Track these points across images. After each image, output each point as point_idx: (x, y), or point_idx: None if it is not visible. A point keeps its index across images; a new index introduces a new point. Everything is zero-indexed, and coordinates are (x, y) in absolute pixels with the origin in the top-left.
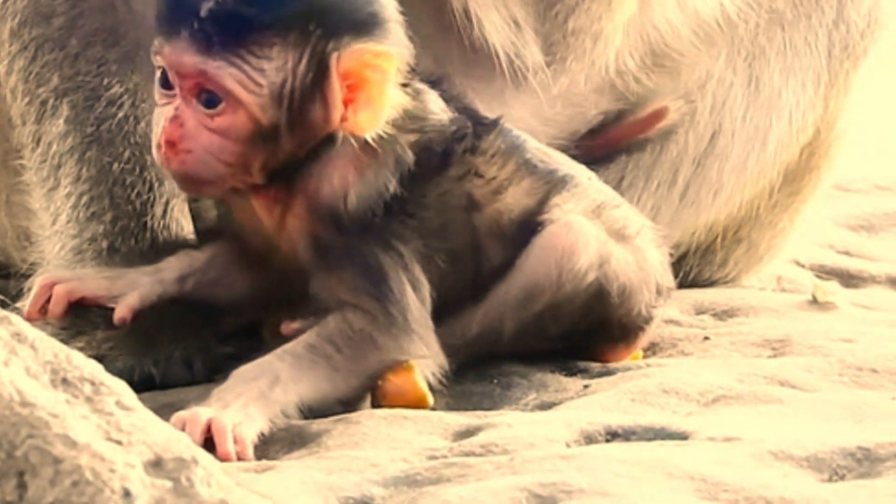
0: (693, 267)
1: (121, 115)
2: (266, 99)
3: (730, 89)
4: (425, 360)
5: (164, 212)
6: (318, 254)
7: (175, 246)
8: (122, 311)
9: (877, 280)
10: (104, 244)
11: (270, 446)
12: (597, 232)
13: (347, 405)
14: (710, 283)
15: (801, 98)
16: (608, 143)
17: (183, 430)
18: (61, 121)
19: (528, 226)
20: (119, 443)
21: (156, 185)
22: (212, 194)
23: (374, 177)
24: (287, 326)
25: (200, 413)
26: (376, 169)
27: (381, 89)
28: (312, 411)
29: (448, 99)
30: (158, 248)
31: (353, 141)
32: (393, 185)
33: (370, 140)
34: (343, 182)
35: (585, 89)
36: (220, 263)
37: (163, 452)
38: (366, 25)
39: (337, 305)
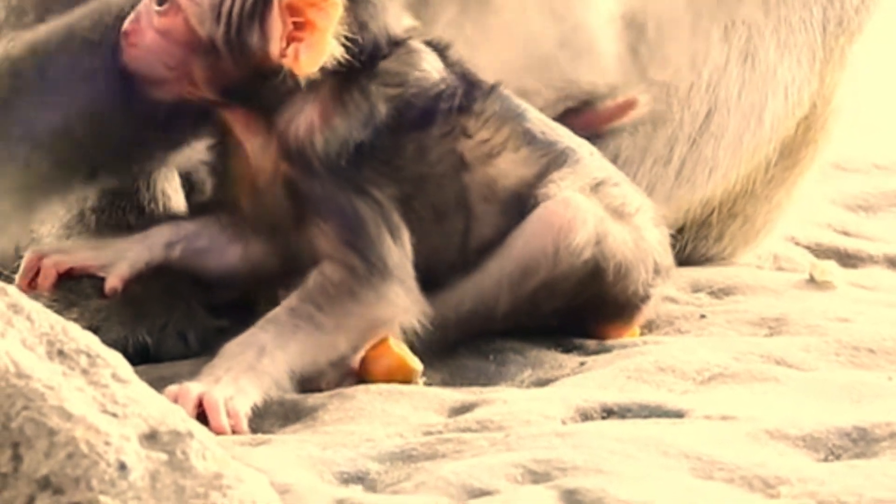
0: (689, 242)
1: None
2: (204, 9)
3: (725, 66)
4: (405, 314)
5: (149, 185)
6: (294, 201)
7: (164, 217)
8: (112, 281)
9: (874, 260)
10: (93, 218)
11: (265, 420)
12: (594, 209)
13: (338, 366)
14: (706, 259)
15: (796, 73)
16: (582, 125)
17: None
18: None
19: (524, 198)
20: (114, 415)
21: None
22: (164, 97)
23: (341, 124)
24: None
25: (191, 388)
26: (344, 117)
27: (323, 34)
28: (306, 379)
29: (449, 63)
30: (147, 221)
31: (324, 85)
32: (362, 135)
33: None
34: (309, 126)
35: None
36: (209, 233)
37: (158, 425)
38: None
39: (316, 259)
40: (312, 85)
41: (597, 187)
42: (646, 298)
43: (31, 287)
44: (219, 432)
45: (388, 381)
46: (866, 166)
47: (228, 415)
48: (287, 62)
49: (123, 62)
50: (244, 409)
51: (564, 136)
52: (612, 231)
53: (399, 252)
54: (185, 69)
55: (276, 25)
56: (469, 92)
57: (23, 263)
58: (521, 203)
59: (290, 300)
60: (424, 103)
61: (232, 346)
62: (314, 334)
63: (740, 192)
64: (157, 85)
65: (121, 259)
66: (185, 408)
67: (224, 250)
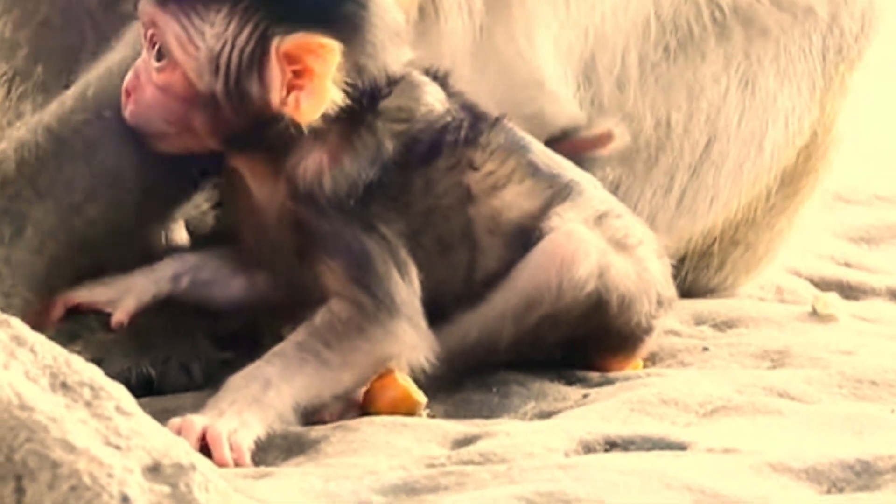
0: (690, 272)
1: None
2: (202, 63)
3: (725, 95)
4: (413, 351)
5: (155, 221)
6: (301, 240)
7: (171, 249)
8: (119, 316)
9: (877, 292)
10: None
11: (269, 453)
12: (597, 241)
13: (342, 398)
14: (708, 288)
15: (796, 102)
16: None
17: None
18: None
19: (528, 230)
20: (118, 447)
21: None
22: (169, 150)
23: (350, 164)
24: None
25: (195, 421)
26: (353, 156)
27: (323, 80)
28: (310, 412)
29: (451, 94)
30: (153, 253)
31: (331, 127)
32: (371, 173)
33: (346, 127)
34: (318, 167)
35: None
36: (214, 265)
37: (161, 458)
38: (315, 14)
39: (323, 296)
40: (318, 129)
41: (599, 219)
42: (649, 330)
43: (38, 321)
44: (222, 465)
45: (392, 413)
46: (868, 198)
47: (231, 448)
48: (288, 110)
49: (127, 118)
50: (247, 443)
51: (567, 169)
52: (615, 263)
53: (407, 289)
54: (186, 123)
55: (275, 74)
56: (474, 124)
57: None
58: (525, 235)
59: (297, 335)
60: (431, 137)
61: (237, 379)
62: (320, 369)
63: (742, 220)
64: (160, 139)
65: (127, 293)
66: (188, 440)
67: (229, 282)
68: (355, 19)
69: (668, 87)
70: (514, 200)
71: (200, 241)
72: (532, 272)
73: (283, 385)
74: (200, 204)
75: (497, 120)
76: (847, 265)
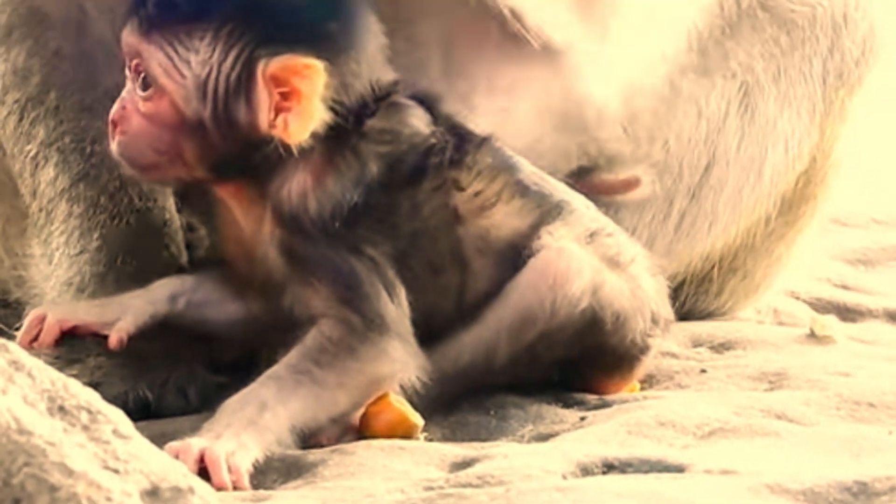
0: (689, 297)
1: (106, 148)
2: (189, 90)
3: (724, 119)
4: (405, 369)
5: (155, 240)
6: (289, 263)
7: (169, 271)
8: (116, 336)
9: (874, 314)
10: (94, 276)
11: (266, 476)
12: (590, 258)
13: (339, 422)
14: (706, 313)
15: (796, 126)
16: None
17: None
18: (50, 167)
19: (519, 249)
20: (116, 471)
21: (144, 214)
22: (156, 180)
23: (334, 185)
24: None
25: (192, 444)
26: (336, 177)
27: (310, 101)
28: (307, 435)
29: (437, 115)
30: (150, 276)
31: (315, 148)
32: (355, 195)
33: (330, 148)
34: (302, 190)
35: None
36: (211, 287)
37: (159, 481)
38: (299, 35)
39: (313, 318)
40: (303, 150)
41: (591, 237)
42: (645, 350)
43: (33, 345)
44: (220, 488)
45: (390, 436)
46: (865, 221)
47: (230, 470)
48: (277, 132)
49: (115, 151)
50: (245, 465)
51: (558, 189)
52: (609, 280)
53: (396, 308)
54: (175, 151)
55: (262, 97)
56: (460, 145)
57: (25, 322)
58: (515, 255)
59: (290, 357)
60: (415, 159)
61: (232, 403)
62: (315, 390)
63: (741, 246)
64: (149, 170)
65: (124, 314)
66: (186, 463)
67: (224, 304)
68: (340, 39)
69: (673, 110)
70: (504, 220)
71: (197, 262)
72: (525, 291)
73: (278, 407)
74: (195, 224)
75: (484, 140)
76: (844, 287)
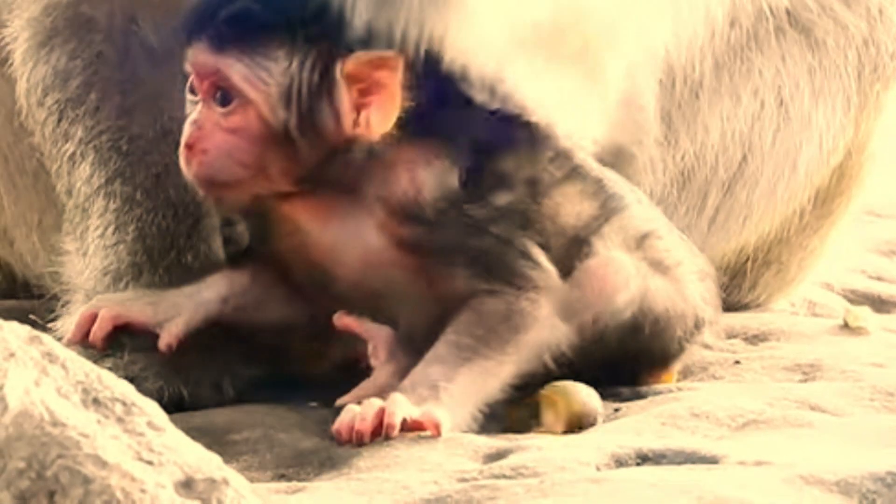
0: (722, 290)
1: (143, 146)
2: (274, 98)
3: (759, 112)
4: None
5: (191, 233)
6: (419, 257)
7: (206, 264)
8: (167, 338)
9: None
10: (131, 265)
11: (301, 469)
12: (636, 267)
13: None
14: (740, 307)
15: (831, 120)
16: None
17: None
18: (86, 165)
19: (580, 242)
20: (150, 463)
21: (180, 209)
22: (236, 199)
23: (436, 170)
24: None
25: (374, 402)
26: (436, 163)
27: (390, 93)
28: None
29: (499, 97)
30: (187, 268)
31: (404, 141)
32: (456, 176)
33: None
34: (408, 180)
35: None
36: (259, 285)
37: (194, 473)
38: (371, 31)
39: (460, 303)
40: (389, 146)
41: (642, 240)
42: (684, 350)
43: (84, 340)
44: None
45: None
46: None
47: (423, 423)
48: (360, 130)
49: (195, 173)
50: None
51: (612, 179)
52: (653, 287)
53: (539, 269)
54: (261, 164)
55: (344, 97)
56: (531, 123)
57: (77, 317)
58: (577, 247)
59: (448, 336)
60: (493, 135)
61: (403, 387)
62: (482, 365)
63: (774, 240)
64: (230, 188)
65: (177, 315)
66: (365, 419)
67: (272, 306)
68: None
69: (710, 103)
70: (570, 201)
71: (240, 255)
72: (571, 298)
73: (450, 386)
74: (233, 219)
75: (537, 122)
76: (879, 279)
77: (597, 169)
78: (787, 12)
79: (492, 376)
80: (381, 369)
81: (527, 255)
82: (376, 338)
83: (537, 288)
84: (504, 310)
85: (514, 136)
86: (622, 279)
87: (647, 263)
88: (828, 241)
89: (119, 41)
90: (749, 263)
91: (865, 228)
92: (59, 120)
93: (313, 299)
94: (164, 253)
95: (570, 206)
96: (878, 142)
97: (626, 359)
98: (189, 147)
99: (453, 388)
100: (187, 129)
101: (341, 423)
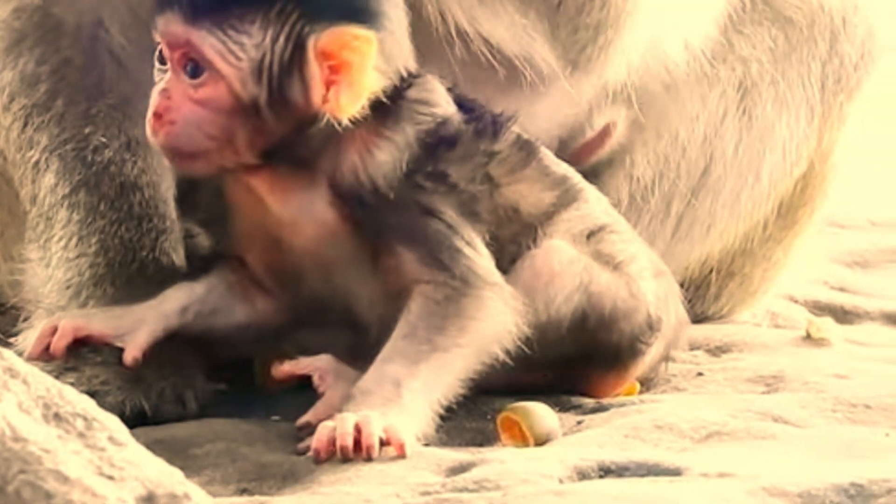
0: (686, 301)
1: (108, 156)
2: (245, 73)
3: (721, 121)
4: (507, 320)
5: (154, 245)
6: (366, 239)
7: (167, 277)
8: (132, 352)
9: (871, 316)
10: (92, 278)
11: (263, 482)
12: (581, 257)
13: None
14: (703, 318)
15: (794, 130)
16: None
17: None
18: (51, 174)
19: (535, 230)
20: (111, 478)
21: (144, 220)
22: (201, 171)
23: (384, 154)
24: (278, 370)
25: (347, 416)
26: (385, 147)
27: (360, 72)
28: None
29: (455, 93)
30: (149, 280)
31: (360, 122)
32: (404, 162)
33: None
34: (354, 162)
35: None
36: (217, 293)
37: (155, 488)
38: (347, 9)
39: (407, 287)
40: (349, 126)
41: (592, 234)
42: (638, 350)
43: (45, 354)
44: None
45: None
46: (862, 223)
47: (389, 438)
48: (328, 107)
49: (161, 142)
50: (405, 436)
51: (572, 173)
52: (601, 280)
53: (482, 259)
54: (228, 136)
55: (315, 73)
56: (483, 116)
57: (37, 331)
58: (526, 233)
59: (402, 329)
60: (451, 126)
61: (365, 384)
62: (440, 357)
63: (738, 250)
64: (196, 159)
65: (138, 328)
66: (343, 436)
67: (233, 309)
68: (381, 10)
69: (677, 106)
70: (531, 191)
71: (201, 263)
72: (517, 286)
73: (412, 382)
74: (193, 231)
75: (504, 116)
76: (842, 290)
77: (559, 163)
78: (755, 23)
79: (450, 368)
80: (333, 388)
81: (472, 246)
82: (318, 369)
83: (482, 280)
84: (453, 299)
85: (472, 124)
86: (560, 267)
87: (594, 256)
88: (791, 252)
89: (87, 47)
90: (713, 274)
91: (828, 239)
92: (25, 126)
93: (274, 289)
94: (125, 265)
95: (529, 194)
96: (842, 152)
97: (576, 355)
98: (157, 116)
99: (415, 384)
100: (155, 99)
101: (319, 440)
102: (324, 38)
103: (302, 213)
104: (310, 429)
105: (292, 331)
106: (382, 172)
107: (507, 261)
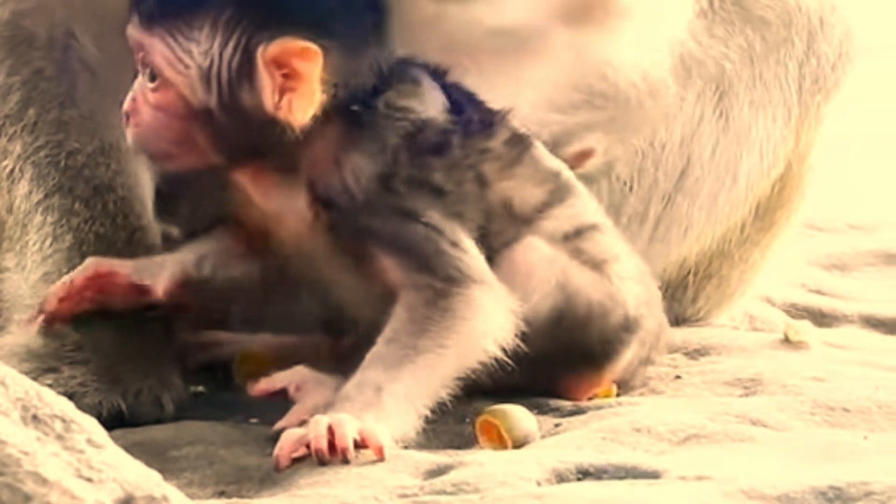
0: (664, 303)
1: (82, 160)
2: (194, 80)
3: (698, 123)
4: (496, 320)
5: (130, 240)
6: (345, 245)
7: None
8: (161, 285)
9: (849, 319)
10: (70, 270)
11: (241, 485)
12: (557, 255)
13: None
14: (681, 320)
15: (771, 131)
16: None
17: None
18: (25, 181)
19: (513, 225)
20: (90, 480)
21: (119, 218)
22: (177, 168)
23: (364, 158)
24: (253, 388)
25: (320, 419)
26: (358, 153)
27: (308, 83)
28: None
29: (448, 87)
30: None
31: (337, 126)
32: (381, 165)
33: (350, 124)
34: (326, 167)
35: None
36: (222, 248)
37: (133, 490)
38: (296, 18)
39: (393, 290)
40: (323, 129)
41: (579, 231)
42: (615, 352)
43: (62, 304)
44: (343, 451)
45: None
46: (841, 226)
47: (364, 440)
48: (282, 114)
49: (132, 142)
50: (382, 438)
51: (566, 170)
52: (578, 279)
53: (470, 257)
54: (187, 140)
55: (265, 81)
56: (477, 113)
57: (54, 287)
58: (511, 229)
59: (387, 334)
60: (437, 127)
61: (347, 390)
62: (423, 361)
63: (715, 252)
64: (166, 159)
65: (157, 272)
66: (317, 439)
67: (232, 266)
68: (338, 19)
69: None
70: (524, 186)
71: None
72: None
73: (394, 386)
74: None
75: (499, 111)
76: (819, 292)
77: (551, 158)
78: (728, 23)
79: (435, 370)
80: (311, 394)
81: (457, 246)
82: (293, 382)
83: (470, 279)
84: (437, 302)
85: (462, 124)
86: (538, 264)
87: (576, 254)
88: (769, 254)
89: (58, 57)
90: (690, 276)
91: (806, 242)
92: None
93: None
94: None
95: (520, 191)
96: (819, 153)
97: (550, 354)
98: (126, 117)
99: (397, 388)
100: (128, 98)
101: (280, 448)
102: (272, 48)
103: (284, 209)
104: None
105: (274, 297)
106: (356, 178)
107: (493, 255)
